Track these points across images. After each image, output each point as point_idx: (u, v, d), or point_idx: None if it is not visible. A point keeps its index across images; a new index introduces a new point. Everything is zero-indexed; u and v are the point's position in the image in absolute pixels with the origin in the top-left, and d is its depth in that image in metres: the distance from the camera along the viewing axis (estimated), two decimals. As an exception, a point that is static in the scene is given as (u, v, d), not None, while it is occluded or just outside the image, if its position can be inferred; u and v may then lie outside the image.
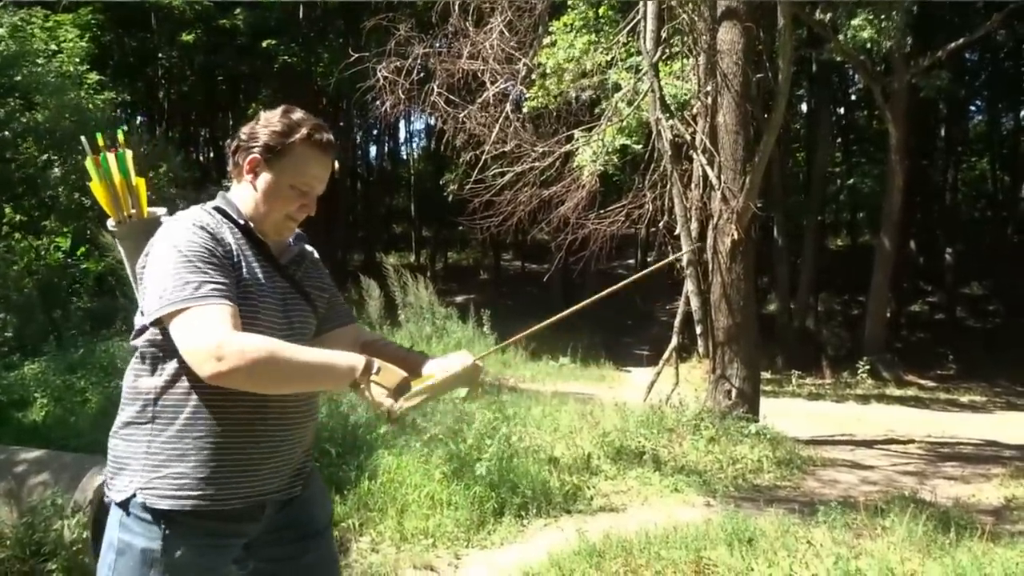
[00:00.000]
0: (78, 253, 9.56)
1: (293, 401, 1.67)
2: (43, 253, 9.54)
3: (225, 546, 1.63)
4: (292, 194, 1.65)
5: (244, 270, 1.59)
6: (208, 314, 1.45)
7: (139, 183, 1.74)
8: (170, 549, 1.53)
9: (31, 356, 6.68)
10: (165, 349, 1.55)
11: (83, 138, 1.79)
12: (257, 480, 1.62)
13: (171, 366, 1.56)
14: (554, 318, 1.95)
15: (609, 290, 2.08)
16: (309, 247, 1.86)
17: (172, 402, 1.56)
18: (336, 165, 1.76)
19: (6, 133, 9.95)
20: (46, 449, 3.81)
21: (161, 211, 1.81)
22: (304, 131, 1.63)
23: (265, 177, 1.64)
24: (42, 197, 10.25)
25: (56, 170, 10.14)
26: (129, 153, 1.73)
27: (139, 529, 1.54)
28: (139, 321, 1.59)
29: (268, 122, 1.65)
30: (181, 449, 1.55)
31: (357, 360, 1.51)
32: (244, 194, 1.67)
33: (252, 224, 1.66)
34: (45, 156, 10.22)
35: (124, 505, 1.56)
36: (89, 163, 1.70)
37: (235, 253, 1.59)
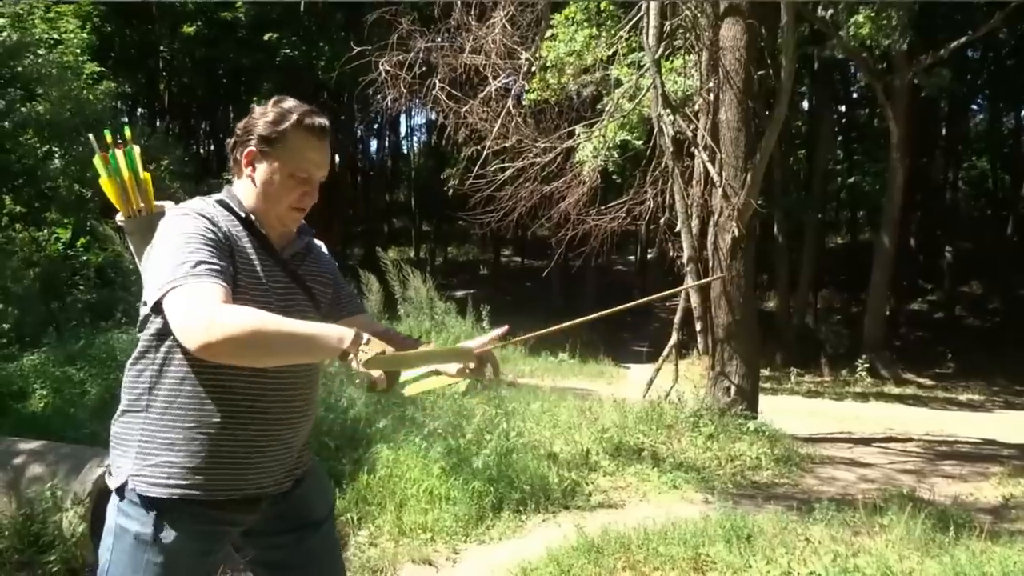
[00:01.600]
0: (78, 244, 9.55)
1: (289, 398, 1.68)
2: (43, 244, 9.52)
3: (219, 532, 1.67)
4: (292, 183, 1.66)
5: (240, 263, 1.59)
6: (202, 290, 1.45)
7: (146, 177, 1.75)
8: (161, 534, 1.57)
9: (30, 347, 6.66)
10: (163, 337, 1.57)
11: (91, 136, 1.79)
12: (248, 474, 1.65)
13: (167, 355, 1.59)
14: (571, 322, 1.82)
15: (632, 303, 2.02)
16: (317, 241, 1.87)
17: (166, 391, 1.59)
18: (336, 159, 1.75)
19: (6, 124, 9.92)
20: (45, 440, 3.80)
21: (169, 205, 1.83)
22: (295, 117, 1.64)
23: (263, 168, 1.66)
24: (42, 188, 10.23)
25: (56, 161, 10.12)
26: (137, 149, 1.75)
27: (133, 514, 1.58)
28: (143, 311, 1.61)
29: (261, 114, 1.67)
30: (171, 439, 1.59)
31: (346, 332, 1.48)
32: (246, 189, 1.69)
33: (255, 217, 1.67)
34: (46, 147, 10.20)
35: (120, 491, 1.61)
36: (97, 160, 1.71)
37: (233, 245, 1.59)
